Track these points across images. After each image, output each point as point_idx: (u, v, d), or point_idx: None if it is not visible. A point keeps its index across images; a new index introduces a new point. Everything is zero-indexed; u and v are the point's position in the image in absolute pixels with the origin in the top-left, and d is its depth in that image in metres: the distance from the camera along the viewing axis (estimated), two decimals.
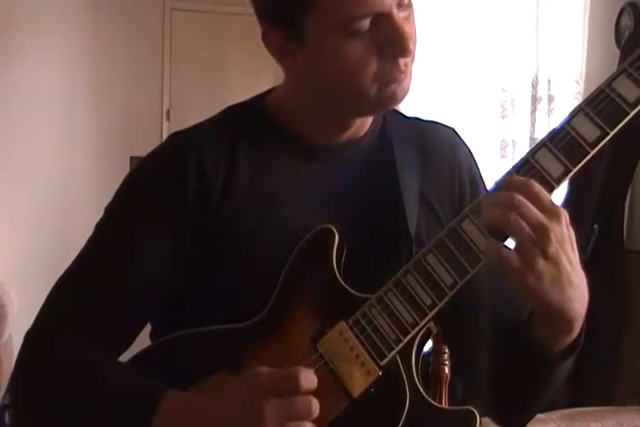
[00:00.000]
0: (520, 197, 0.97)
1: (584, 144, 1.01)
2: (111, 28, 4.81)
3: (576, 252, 1.00)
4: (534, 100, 3.31)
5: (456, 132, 1.27)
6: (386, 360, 1.03)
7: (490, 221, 1.00)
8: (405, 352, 1.04)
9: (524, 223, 0.96)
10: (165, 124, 4.94)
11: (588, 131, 1.01)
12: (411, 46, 1.05)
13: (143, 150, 1.16)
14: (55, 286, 1.12)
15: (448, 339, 1.21)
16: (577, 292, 1.00)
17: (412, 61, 1.09)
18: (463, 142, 1.26)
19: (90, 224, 1.14)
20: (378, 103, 1.10)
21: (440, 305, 1.03)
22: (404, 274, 1.04)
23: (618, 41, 2.92)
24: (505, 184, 1.01)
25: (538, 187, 0.98)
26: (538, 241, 0.96)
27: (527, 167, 1.02)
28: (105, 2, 4.81)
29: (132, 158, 4.64)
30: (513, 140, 3.51)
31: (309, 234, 1.08)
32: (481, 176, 1.26)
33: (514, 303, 1.17)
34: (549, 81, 3.24)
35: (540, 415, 1.73)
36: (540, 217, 0.97)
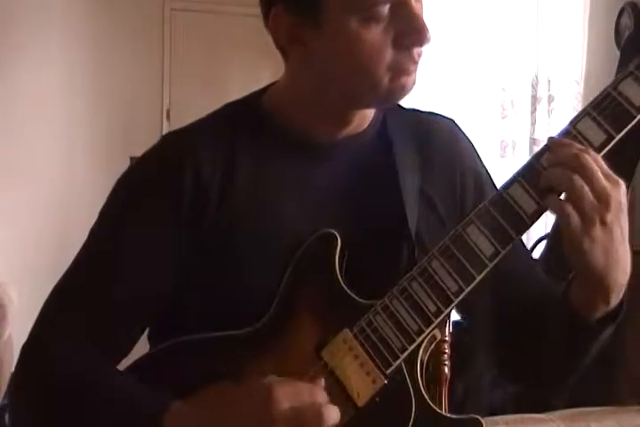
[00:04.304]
0: (588, 159, 0.97)
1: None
2: (111, 28, 4.80)
3: (627, 223, 1.00)
4: (534, 100, 3.32)
5: (455, 123, 1.25)
6: (392, 369, 1.02)
7: (550, 182, 0.99)
8: (410, 360, 1.03)
9: (587, 188, 0.96)
10: (165, 124, 4.94)
11: (595, 135, 1.01)
12: (428, 35, 1.04)
13: (143, 150, 1.15)
14: (51, 294, 1.09)
15: (472, 323, 1.21)
16: (620, 262, 1.01)
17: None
18: (463, 133, 1.24)
19: (90, 224, 1.13)
20: (387, 95, 1.07)
21: (445, 312, 1.02)
22: (409, 281, 1.03)
23: (618, 41, 2.93)
24: (562, 147, 0.99)
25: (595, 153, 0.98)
26: (598, 207, 0.96)
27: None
28: (105, 2, 4.81)
29: (131, 158, 4.58)
30: (513, 141, 3.52)
31: (311, 238, 1.06)
32: (484, 166, 1.24)
33: (530, 277, 1.19)
34: (549, 81, 3.25)
35: (540, 415, 1.73)
36: (603, 183, 0.97)
